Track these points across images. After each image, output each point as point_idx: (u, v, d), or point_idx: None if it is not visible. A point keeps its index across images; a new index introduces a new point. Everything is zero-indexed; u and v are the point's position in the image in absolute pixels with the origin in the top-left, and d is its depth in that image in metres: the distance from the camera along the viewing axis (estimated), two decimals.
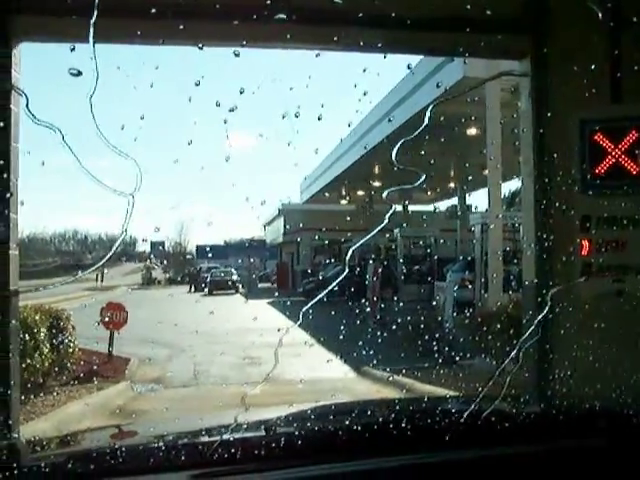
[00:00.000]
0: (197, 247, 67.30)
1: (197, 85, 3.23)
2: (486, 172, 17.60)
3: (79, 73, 2.18)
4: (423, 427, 2.28)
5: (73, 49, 2.73)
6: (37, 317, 11.62)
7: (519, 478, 2.13)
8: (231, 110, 3.32)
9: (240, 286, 47.82)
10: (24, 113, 2.10)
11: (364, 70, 3.83)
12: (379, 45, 4.80)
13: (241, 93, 3.37)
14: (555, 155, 5.26)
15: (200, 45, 4.06)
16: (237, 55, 3.51)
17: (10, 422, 4.87)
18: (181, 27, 3.98)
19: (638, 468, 2.15)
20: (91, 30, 2.02)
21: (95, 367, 14.11)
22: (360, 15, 4.51)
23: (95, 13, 2.04)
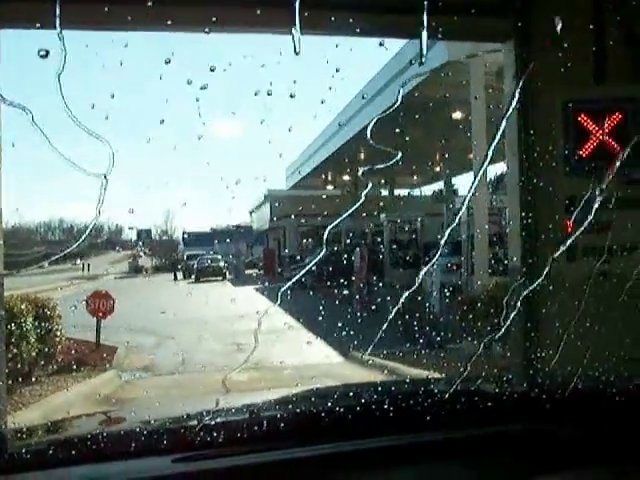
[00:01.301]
0: (183, 234, 67.21)
1: (167, 63, 3.20)
2: (471, 155, 17.65)
3: (47, 54, 2.16)
4: (406, 409, 2.29)
5: (40, 27, 2.70)
6: (23, 306, 11.59)
7: (503, 458, 2.14)
8: (203, 88, 3.30)
9: (227, 273, 47.78)
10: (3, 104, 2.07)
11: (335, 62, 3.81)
12: (358, 29, 4.77)
13: (212, 70, 3.35)
14: (539, 137, 5.26)
15: (169, 23, 4.01)
16: (207, 32, 3.47)
17: None
18: (150, 11, 3.92)
19: (620, 448, 2.16)
20: (57, 10, 2.00)
21: (82, 356, 14.10)
22: None
23: None
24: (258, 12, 4.35)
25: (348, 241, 28.96)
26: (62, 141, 2.15)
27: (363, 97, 26.40)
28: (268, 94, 3.35)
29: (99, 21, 4.57)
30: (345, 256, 25.71)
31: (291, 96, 2.45)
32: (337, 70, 3.82)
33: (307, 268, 2.57)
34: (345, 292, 20.93)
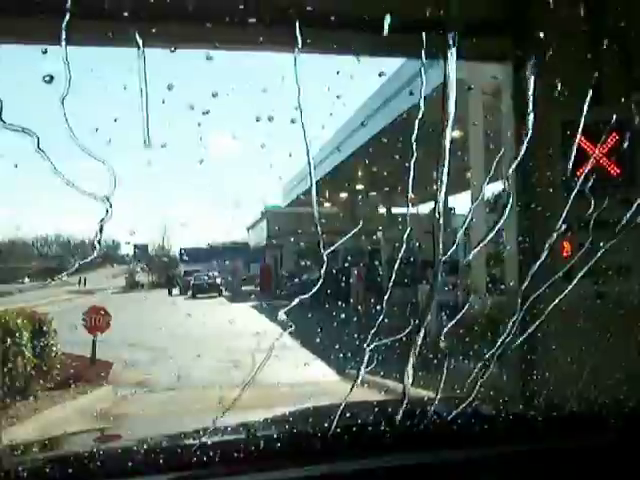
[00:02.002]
0: (180, 250, 67.09)
1: (169, 89, 3.22)
2: (469, 175, 17.68)
3: (52, 79, 2.17)
4: (403, 429, 2.28)
5: (45, 51, 2.72)
6: (19, 321, 11.58)
7: (502, 479, 2.14)
8: (205, 113, 3.32)
9: (223, 289, 47.70)
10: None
11: (338, 72, 3.83)
12: (355, 48, 4.79)
13: (214, 96, 3.37)
14: (537, 157, 5.27)
15: (172, 48, 4.03)
16: (209, 59, 3.50)
17: None
18: (153, 30, 3.95)
19: (615, 468, 2.16)
20: (63, 33, 2.01)
21: (78, 371, 14.06)
22: (337, 18, 4.50)
23: (67, 15, 2.02)
24: (257, 31, 4.38)
25: (345, 260, 28.93)
26: (59, 154, 2.16)
27: (362, 124, 26.47)
28: (269, 119, 3.36)
29: (103, 41, 4.58)
30: (342, 275, 25.66)
31: (292, 122, 2.46)
32: (338, 97, 3.85)
33: (305, 296, 2.58)
34: (342, 311, 20.90)
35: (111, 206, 2.01)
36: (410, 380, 2.44)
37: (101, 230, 2.04)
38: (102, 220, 2.03)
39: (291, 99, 2.41)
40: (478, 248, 3.32)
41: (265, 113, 3.42)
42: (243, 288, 51.65)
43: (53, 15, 2.15)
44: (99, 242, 2.11)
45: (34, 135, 1.94)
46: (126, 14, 3.71)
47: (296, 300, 2.50)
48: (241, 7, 3.92)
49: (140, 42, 2.27)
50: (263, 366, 2.45)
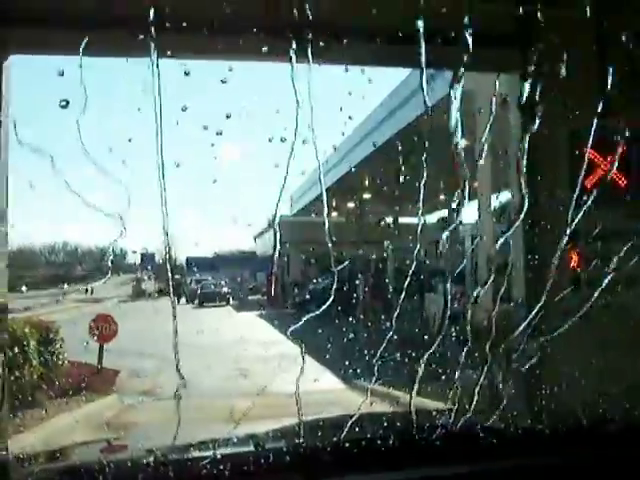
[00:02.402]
0: (187, 259, 66.97)
1: (184, 111, 3.26)
2: (476, 184, 17.66)
3: (67, 104, 2.20)
4: (411, 442, 2.28)
5: (62, 74, 2.76)
6: (27, 330, 11.60)
7: None
8: (218, 134, 3.36)
9: (230, 298, 47.61)
10: (13, 129, 2.09)
11: (349, 93, 3.86)
12: (365, 59, 4.81)
13: (228, 117, 3.41)
14: (544, 168, 5.27)
15: (187, 71, 4.07)
16: (224, 82, 3.53)
17: None
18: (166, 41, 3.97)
19: None
20: (81, 60, 2.03)
21: (84, 379, 14.05)
22: (345, 29, 4.51)
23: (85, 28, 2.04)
24: (262, 40, 4.40)
25: (352, 270, 28.87)
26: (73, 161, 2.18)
27: (374, 145, 26.45)
28: (281, 140, 3.39)
29: (124, 51, 4.59)
30: (348, 285, 25.60)
31: (303, 142, 2.49)
32: (350, 118, 3.90)
33: (314, 313, 2.61)
34: (349, 322, 20.86)
35: (125, 228, 2.02)
36: (416, 391, 2.44)
37: (114, 250, 2.05)
38: (115, 240, 2.04)
39: (303, 119, 2.42)
40: (485, 258, 3.32)
41: (278, 133, 3.45)
42: (250, 297, 51.54)
43: (74, 27, 2.16)
44: (112, 261, 2.12)
45: (48, 154, 1.95)
46: (137, 26, 3.73)
47: (305, 318, 2.51)
48: (247, 19, 3.94)
49: (154, 57, 2.28)
50: (273, 376, 2.45)
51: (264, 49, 4.57)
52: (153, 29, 3.73)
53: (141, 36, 3.25)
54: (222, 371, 15.90)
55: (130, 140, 3.86)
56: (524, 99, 5.81)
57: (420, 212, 3.24)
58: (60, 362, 13.08)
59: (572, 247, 4.54)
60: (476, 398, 2.51)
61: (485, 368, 2.80)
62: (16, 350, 10.67)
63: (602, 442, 2.30)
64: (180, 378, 2.73)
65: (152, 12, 3.18)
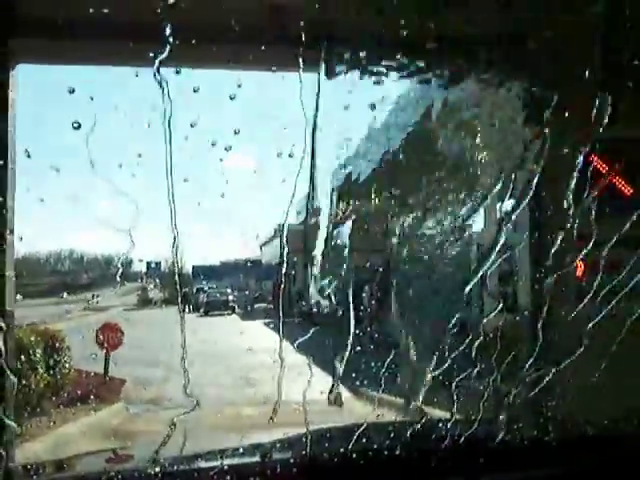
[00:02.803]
0: (193, 268, 66.86)
1: (192, 127, 3.27)
2: (482, 191, 17.64)
3: (79, 126, 2.22)
4: (418, 453, 2.27)
5: (72, 91, 2.78)
6: (33, 338, 11.61)
7: None
8: (227, 149, 3.37)
9: (236, 307, 47.49)
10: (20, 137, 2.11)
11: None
12: (369, 66, 4.81)
13: (236, 133, 3.43)
14: (551, 176, 5.26)
15: (196, 87, 4.09)
16: (232, 98, 3.55)
17: (5, 446, 4.82)
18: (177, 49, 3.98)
19: None
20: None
21: (90, 388, 14.04)
22: (349, 36, 4.51)
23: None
24: (268, 51, 4.40)
25: (358, 278, 28.80)
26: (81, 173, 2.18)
27: (384, 154, 26.43)
28: (289, 156, 3.40)
29: (134, 61, 4.60)
30: (354, 293, 25.47)
31: (312, 157, 2.51)
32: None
33: (318, 327, 2.62)
34: (354, 329, 20.76)
35: (134, 243, 2.02)
36: (422, 400, 2.44)
37: (123, 264, 2.06)
38: (124, 254, 2.04)
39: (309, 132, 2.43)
40: (493, 266, 3.31)
41: (286, 149, 3.46)
42: (256, 305, 51.42)
43: (79, 37, 2.17)
44: (122, 276, 2.12)
45: (55, 168, 1.96)
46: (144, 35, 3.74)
47: (311, 331, 2.53)
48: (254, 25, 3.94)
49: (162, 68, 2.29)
50: (279, 385, 2.45)
51: (273, 64, 4.58)
52: (162, 40, 3.74)
53: (148, 46, 3.26)
54: (228, 379, 15.88)
55: (140, 155, 3.88)
56: (531, 106, 5.81)
57: (433, 222, 3.24)
58: (66, 371, 13.07)
59: (579, 256, 4.53)
60: (481, 408, 2.50)
61: (491, 378, 2.79)
62: (22, 359, 10.67)
63: (611, 452, 2.29)
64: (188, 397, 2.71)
65: (161, 24, 3.19)
